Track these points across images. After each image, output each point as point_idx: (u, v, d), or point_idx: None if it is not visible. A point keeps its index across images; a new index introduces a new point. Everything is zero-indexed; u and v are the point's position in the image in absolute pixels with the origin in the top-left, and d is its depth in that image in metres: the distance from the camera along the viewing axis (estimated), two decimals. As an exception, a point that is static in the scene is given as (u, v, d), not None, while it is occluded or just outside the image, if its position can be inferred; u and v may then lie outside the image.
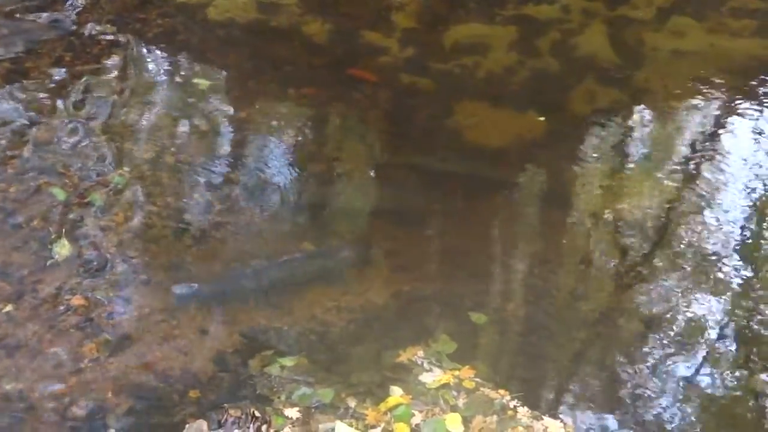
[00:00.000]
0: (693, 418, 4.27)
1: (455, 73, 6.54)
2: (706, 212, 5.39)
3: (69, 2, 6.98)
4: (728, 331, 4.67)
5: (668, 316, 4.73)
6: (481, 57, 6.68)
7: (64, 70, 6.25)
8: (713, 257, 5.06)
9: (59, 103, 5.91)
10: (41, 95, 5.96)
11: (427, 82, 6.43)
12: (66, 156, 5.44)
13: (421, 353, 4.42)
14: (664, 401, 4.32)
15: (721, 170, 5.72)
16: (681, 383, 4.41)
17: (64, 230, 4.90)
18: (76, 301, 4.55)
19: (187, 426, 3.99)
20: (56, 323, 4.44)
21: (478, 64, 6.62)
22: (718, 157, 5.86)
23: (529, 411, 4.14)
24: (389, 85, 6.38)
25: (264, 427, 3.98)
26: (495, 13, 7.19)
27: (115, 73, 6.38)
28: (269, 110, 6.26)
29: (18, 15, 6.78)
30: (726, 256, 5.07)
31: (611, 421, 4.25)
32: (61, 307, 4.52)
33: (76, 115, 5.82)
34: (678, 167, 5.77)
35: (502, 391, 4.23)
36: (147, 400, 4.14)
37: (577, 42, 6.92)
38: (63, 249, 4.79)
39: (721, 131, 6.12)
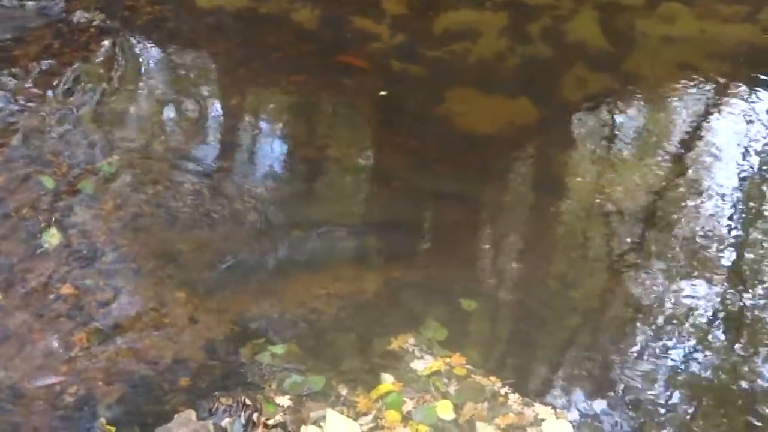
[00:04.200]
0: (683, 403, 4.27)
1: (446, 59, 6.52)
2: (697, 198, 5.39)
3: (57, -11, 6.95)
4: (719, 317, 4.68)
5: (659, 302, 4.73)
6: (471, 43, 6.67)
7: (52, 57, 6.22)
8: (704, 243, 5.06)
9: (48, 91, 5.87)
10: (29, 83, 5.93)
11: (418, 68, 6.41)
12: (55, 144, 5.41)
13: (412, 340, 4.42)
14: (655, 387, 4.33)
15: (712, 156, 5.73)
16: (671, 368, 4.41)
17: (53, 219, 4.88)
18: (66, 289, 4.54)
19: (177, 414, 3.98)
20: (46, 312, 4.42)
21: (469, 50, 6.60)
22: (708, 142, 5.87)
23: (520, 397, 4.16)
24: (379, 72, 6.36)
25: (255, 415, 3.97)
26: (485, -1, 7.17)
27: (104, 60, 6.35)
28: (259, 97, 6.24)
29: (5, 2, 6.74)
30: (717, 242, 5.07)
31: (602, 406, 4.25)
32: (51, 296, 4.50)
33: (65, 103, 5.79)
34: (669, 153, 5.76)
35: (493, 378, 4.24)
36: (137, 389, 4.14)
37: (567, 28, 6.90)
38: (52, 238, 4.78)
39: (711, 117, 6.12)
